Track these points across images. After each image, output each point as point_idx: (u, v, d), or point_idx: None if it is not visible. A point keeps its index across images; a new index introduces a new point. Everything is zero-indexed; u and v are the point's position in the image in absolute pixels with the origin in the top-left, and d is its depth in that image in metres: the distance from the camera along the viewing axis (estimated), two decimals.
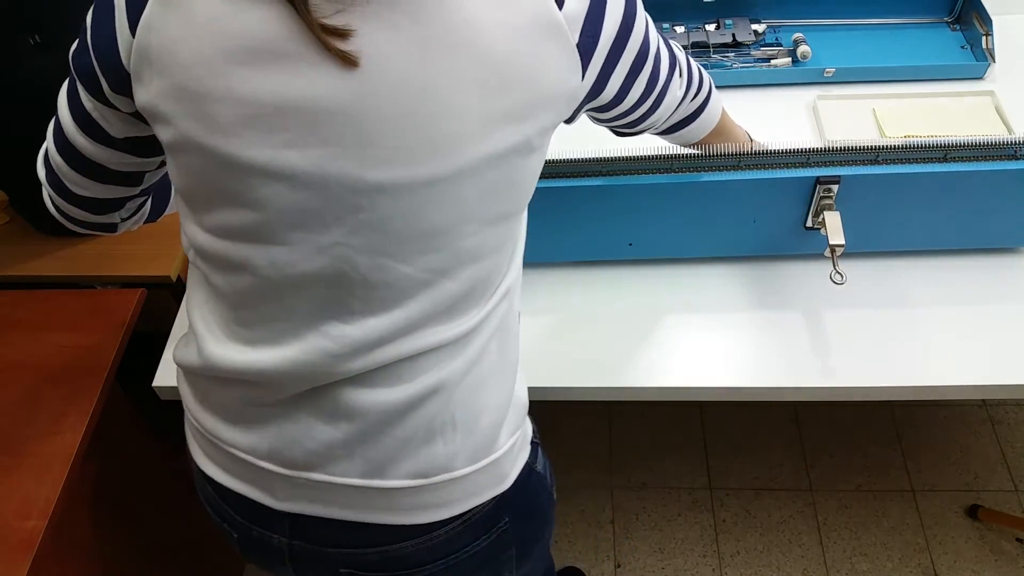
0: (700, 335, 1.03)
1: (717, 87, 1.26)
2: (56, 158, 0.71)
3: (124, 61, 0.59)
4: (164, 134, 0.60)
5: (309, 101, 0.54)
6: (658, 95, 0.75)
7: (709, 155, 0.98)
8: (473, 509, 0.73)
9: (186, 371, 0.75)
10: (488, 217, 0.63)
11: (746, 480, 1.71)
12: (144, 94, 0.59)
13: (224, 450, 0.73)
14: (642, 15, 0.66)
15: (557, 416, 1.83)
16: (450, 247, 0.62)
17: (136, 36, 0.57)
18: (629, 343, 1.03)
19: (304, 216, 0.59)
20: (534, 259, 1.11)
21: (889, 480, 1.69)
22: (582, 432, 1.80)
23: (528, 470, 0.77)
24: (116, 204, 0.77)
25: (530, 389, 1.00)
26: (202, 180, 0.61)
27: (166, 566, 1.32)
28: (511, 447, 0.74)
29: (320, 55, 0.53)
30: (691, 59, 0.84)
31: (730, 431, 1.79)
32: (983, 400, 1.79)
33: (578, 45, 0.59)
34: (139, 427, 1.19)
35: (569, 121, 0.68)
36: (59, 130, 0.70)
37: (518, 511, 0.77)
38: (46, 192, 0.76)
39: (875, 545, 1.61)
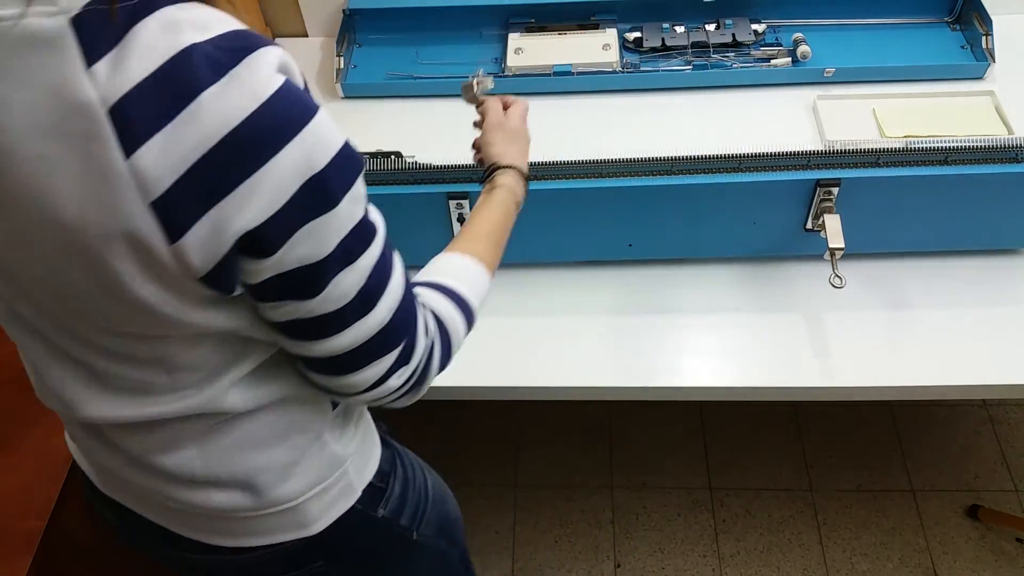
0: (700, 335, 1.03)
1: (717, 87, 1.28)
2: None
3: None
4: None
5: None
6: (352, 350, 0.59)
7: (709, 158, 0.98)
8: (273, 545, 0.73)
9: None
10: (126, 332, 0.57)
11: (746, 480, 1.71)
12: None
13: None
14: (334, 231, 0.53)
15: (557, 416, 1.83)
16: (98, 351, 0.59)
17: None
18: (629, 343, 1.03)
19: None
20: (534, 259, 1.12)
21: (889, 480, 1.69)
22: (582, 432, 1.80)
23: (355, 515, 0.76)
24: None
25: (532, 389, 1.00)
26: None
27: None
28: (311, 498, 0.72)
29: None
30: (439, 349, 0.66)
31: (730, 431, 1.79)
32: (983, 400, 1.79)
33: (155, 204, 0.47)
34: None
35: (223, 291, 0.54)
36: None
37: (337, 555, 0.77)
38: None
39: (875, 545, 1.61)
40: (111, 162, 0.46)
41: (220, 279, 0.52)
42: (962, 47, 1.29)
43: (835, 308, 1.04)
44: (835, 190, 0.97)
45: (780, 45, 1.29)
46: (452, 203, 1.00)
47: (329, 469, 0.72)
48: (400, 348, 0.62)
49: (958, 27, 1.31)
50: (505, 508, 1.69)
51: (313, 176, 0.50)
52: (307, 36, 1.47)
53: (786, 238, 1.05)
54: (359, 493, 0.76)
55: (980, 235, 1.05)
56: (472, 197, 0.99)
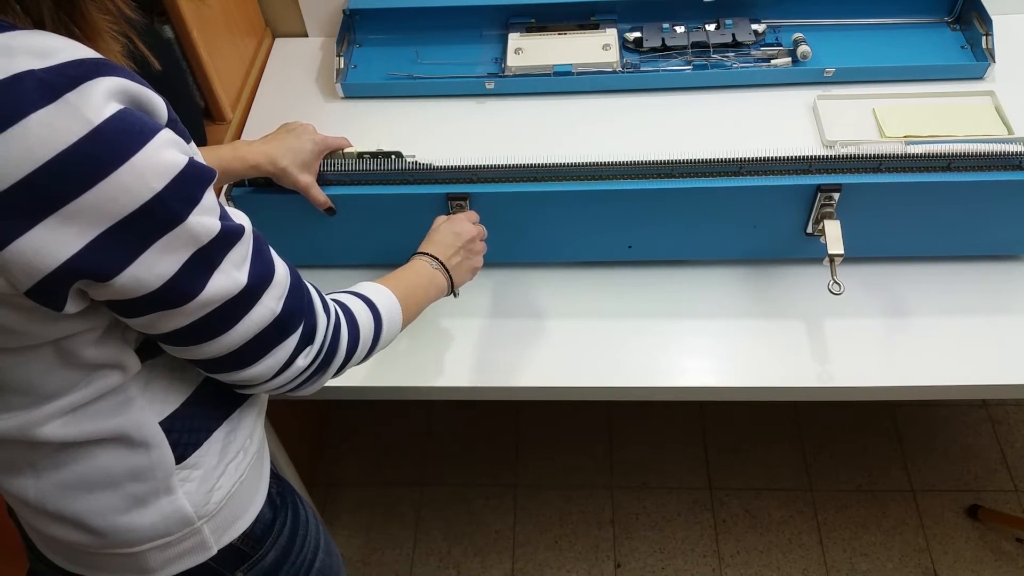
0: (700, 335, 1.03)
1: (717, 87, 1.28)
2: None
3: None
4: None
5: None
6: (248, 343, 0.61)
7: (710, 161, 0.98)
8: None
9: None
10: None
11: (746, 480, 1.71)
12: None
13: None
14: (186, 244, 0.54)
15: (557, 416, 1.83)
16: None
17: None
18: (629, 343, 1.03)
19: None
20: (534, 259, 1.11)
21: (889, 480, 1.69)
22: (582, 432, 1.80)
23: (206, 571, 0.73)
24: None
25: (532, 389, 1.00)
26: None
27: None
28: (152, 549, 0.69)
29: None
30: (346, 327, 0.70)
31: (730, 431, 1.79)
32: (983, 400, 1.79)
33: None
34: None
35: (52, 308, 0.54)
36: None
37: None
38: None
39: (875, 545, 1.61)
40: None
41: (46, 296, 0.52)
42: (962, 47, 1.29)
43: (835, 310, 1.04)
44: (836, 195, 0.96)
45: (780, 45, 1.29)
46: (452, 203, 1.00)
47: (177, 525, 0.69)
48: (300, 330, 0.64)
49: (958, 27, 1.31)
50: (505, 508, 1.69)
51: (151, 199, 0.51)
52: (307, 36, 1.47)
53: (786, 242, 1.04)
54: (214, 551, 0.72)
55: (982, 241, 1.04)
56: (472, 197, 0.99)
